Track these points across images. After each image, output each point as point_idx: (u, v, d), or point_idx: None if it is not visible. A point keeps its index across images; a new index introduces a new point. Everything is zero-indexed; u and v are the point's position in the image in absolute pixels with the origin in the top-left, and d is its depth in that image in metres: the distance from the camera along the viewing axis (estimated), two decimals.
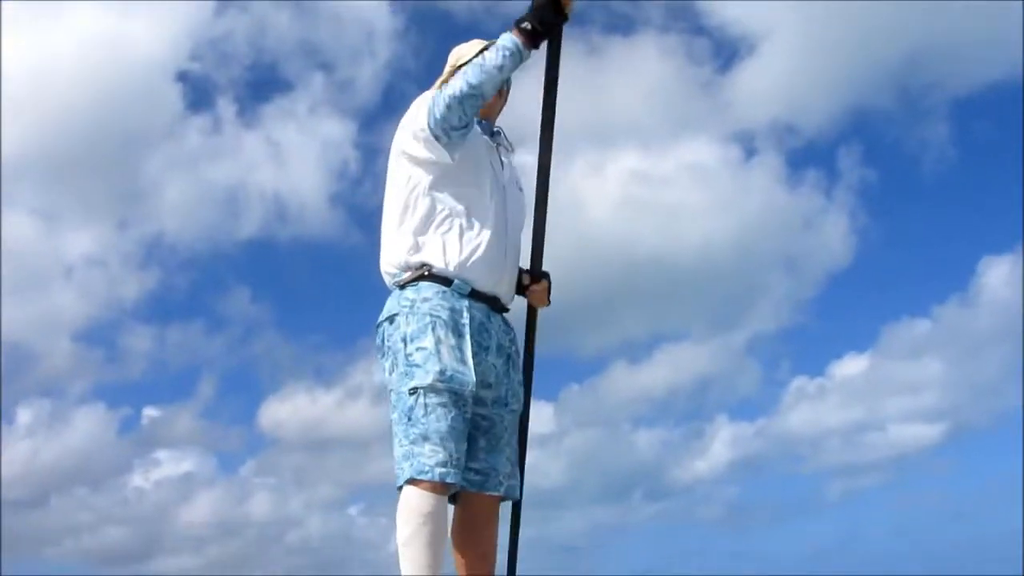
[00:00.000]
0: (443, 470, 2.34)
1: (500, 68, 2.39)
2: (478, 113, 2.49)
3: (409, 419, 2.39)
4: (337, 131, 15.85)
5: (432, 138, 2.47)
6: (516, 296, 2.72)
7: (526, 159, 2.81)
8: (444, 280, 2.49)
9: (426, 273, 2.50)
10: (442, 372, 2.39)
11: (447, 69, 2.71)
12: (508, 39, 2.41)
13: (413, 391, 2.39)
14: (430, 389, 2.38)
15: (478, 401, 2.48)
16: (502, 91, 2.72)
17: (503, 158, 2.70)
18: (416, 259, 2.52)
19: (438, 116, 2.43)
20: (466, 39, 2.74)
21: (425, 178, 2.55)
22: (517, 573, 2.81)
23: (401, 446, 2.39)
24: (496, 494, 2.54)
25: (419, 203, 2.54)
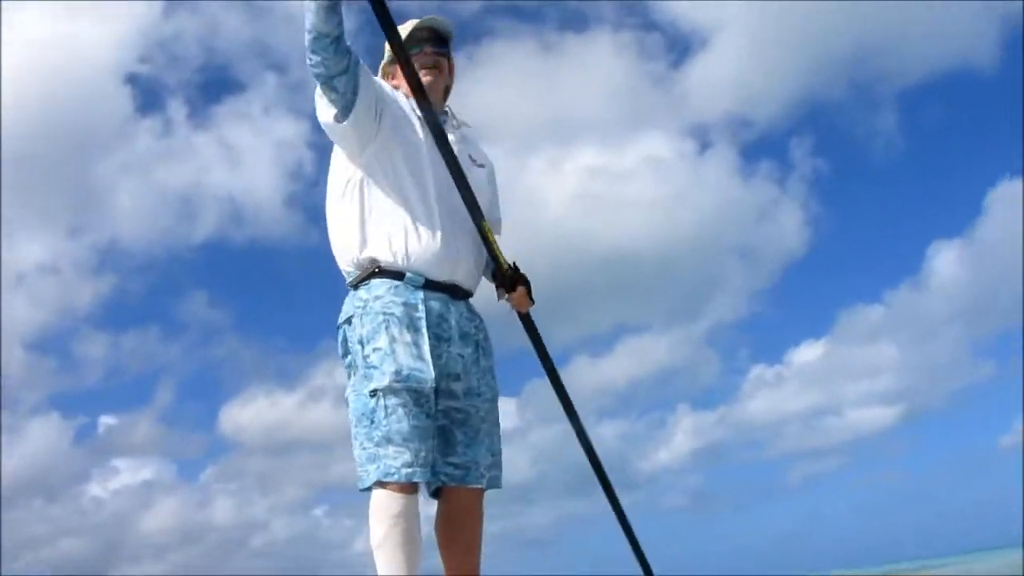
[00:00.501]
0: (409, 470, 2.33)
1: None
2: (338, 55, 2.38)
3: (372, 421, 2.37)
4: (291, 132, 15.74)
5: (325, 100, 2.43)
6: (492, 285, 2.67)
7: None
8: (396, 274, 2.45)
9: (376, 270, 2.46)
10: (398, 372, 2.36)
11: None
12: None
13: (373, 393, 2.37)
14: (388, 390, 2.36)
15: (449, 394, 2.46)
16: (443, 69, 2.65)
17: (450, 135, 2.58)
18: (364, 256, 2.47)
19: (313, 74, 2.40)
20: None
21: (356, 172, 2.51)
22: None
23: (364, 448, 2.37)
24: (478, 487, 2.51)
25: (356, 197, 2.49)
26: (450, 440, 2.49)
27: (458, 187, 2.49)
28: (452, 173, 2.48)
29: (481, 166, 2.68)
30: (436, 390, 2.43)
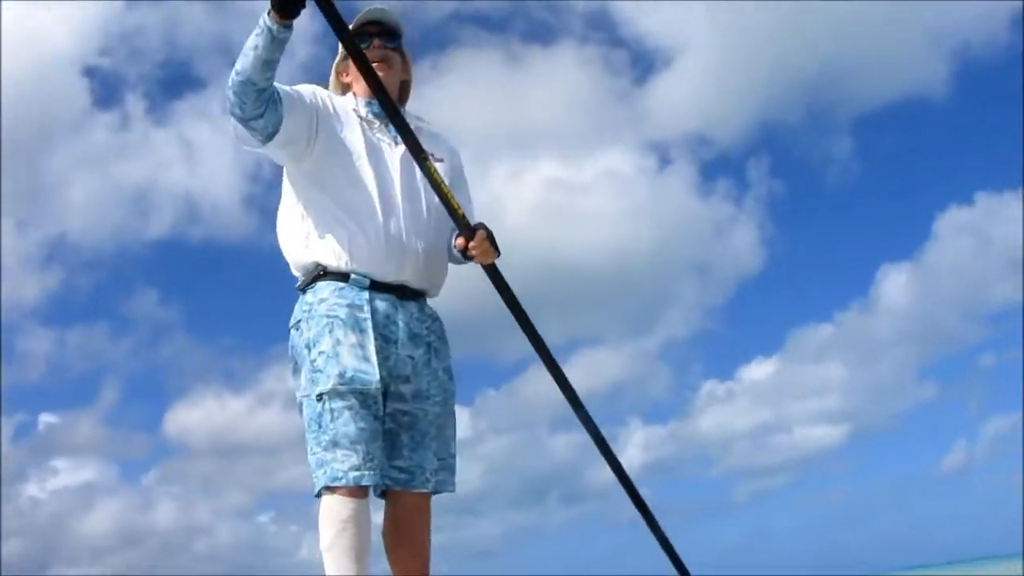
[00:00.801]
0: (357, 473, 2.31)
1: (254, 47, 2.27)
2: (259, 103, 2.33)
3: (319, 426, 2.35)
4: None
5: (243, 132, 2.39)
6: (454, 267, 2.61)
7: None
8: (341, 276, 2.42)
9: (321, 273, 2.44)
10: (342, 374, 2.34)
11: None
12: (261, 17, 2.29)
13: (319, 397, 2.35)
14: (333, 393, 2.33)
15: (397, 396, 2.44)
16: (393, 63, 2.58)
17: (395, 136, 2.52)
18: (309, 260, 2.46)
19: (228, 110, 2.35)
20: None
21: (298, 175, 2.49)
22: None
23: (314, 454, 2.35)
24: (423, 491, 2.47)
25: (299, 201, 2.49)
26: (396, 444, 2.46)
27: (418, 164, 2.44)
28: (409, 148, 2.43)
29: (440, 160, 2.59)
30: (384, 392, 2.41)
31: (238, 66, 2.31)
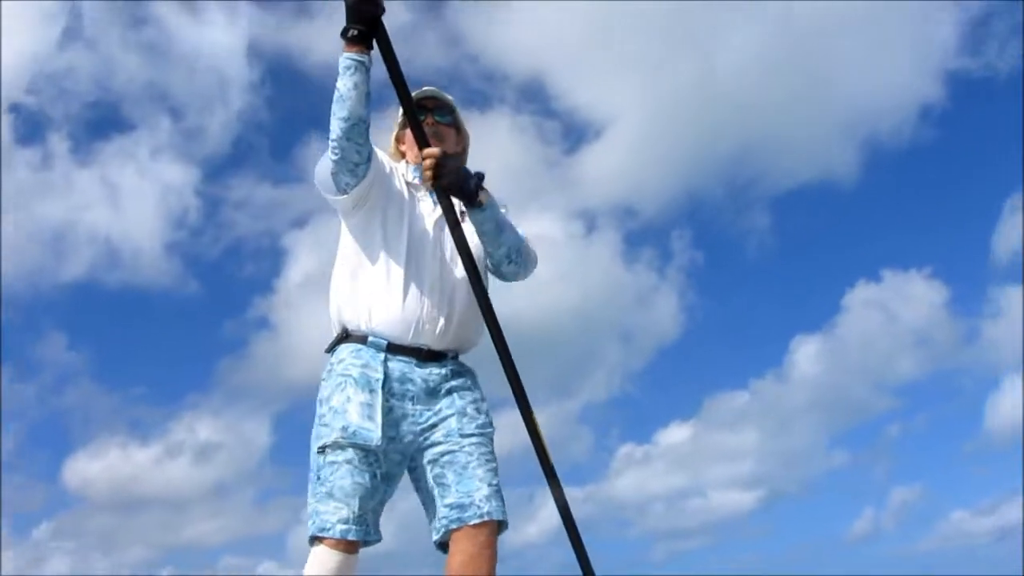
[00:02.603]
0: (344, 527, 2.32)
1: (354, 86, 2.35)
2: (368, 140, 2.43)
3: (318, 478, 2.39)
4: (180, 177, 15.40)
5: (339, 178, 2.45)
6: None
7: None
8: (360, 338, 2.47)
9: (344, 335, 2.51)
10: (345, 428, 2.38)
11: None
12: (343, 58, 2.38)
13: (321, 450, 2.40)
14: (335, 446, 2.38)
15: (431, 444, 2.46)
16: (445, 139, 2.61)
17: (435, 202, 2.57)
18: (337, 322, 2.54)
19: (340, 163, 2.41)
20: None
21: (347, 228, 2.56)
22: None
23: (310, 504, 2.39)
24: (477, 522, 2.39)
25: (341, 266, 2.55)
26: (444, 484, 2.44)
27: (452, 234, 2.49)
28: (449, 222, 2.48)
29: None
30: (417, 448, 2.46)
31: (342, 114, 2.36)
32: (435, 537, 2.46)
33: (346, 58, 2.37)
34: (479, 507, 2.40)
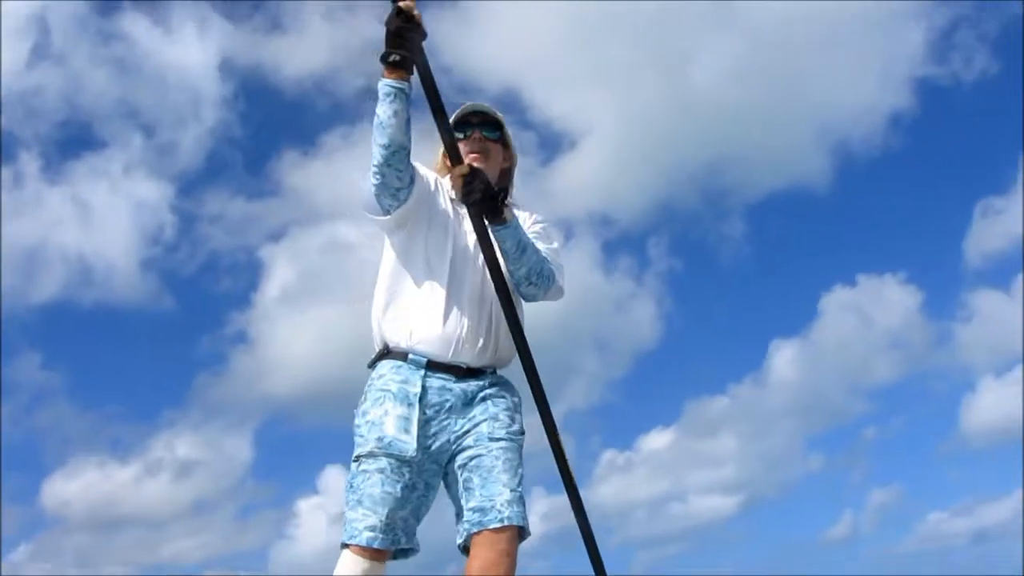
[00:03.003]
0: (371, 535, 2.35)
1: (394, 113, 2.35)
2: (409, 166, 2.45)
3: (351, 486, 2.43)
4: (153, 194, 15.31)
5: (382, 200, 2.48)
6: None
7: None
8: (401, 355, 2.51)
9: (385, 351, 2.54)
10: (380, 439, 2.41)
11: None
12: (383, 84, 2.37)
13: (356, 459, 2.45)
14: (369, 456, 2.41)
15: (462, 449, 2.49)
16: (491, 156, 2.63)
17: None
18: (379, 339, 2.57)
19: (381, 189, 2.44)
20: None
21: (391, 245, 2.59)
22: None
23: (344, 513, 2.43)
24: (497, 526, 2.39)
25: (384, 283, 2.58)
26: (470, 487, 2.46)
27: (486, 259, 2.50)
28: (481, 243, 2.49)
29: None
30: (451, 455, 2.49)
31: (383, 141, 2.37)
32: (459, 541, 2.48)
33: (386, 84, 2.36)
34: (500, 511, 2.41)
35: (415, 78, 2.41)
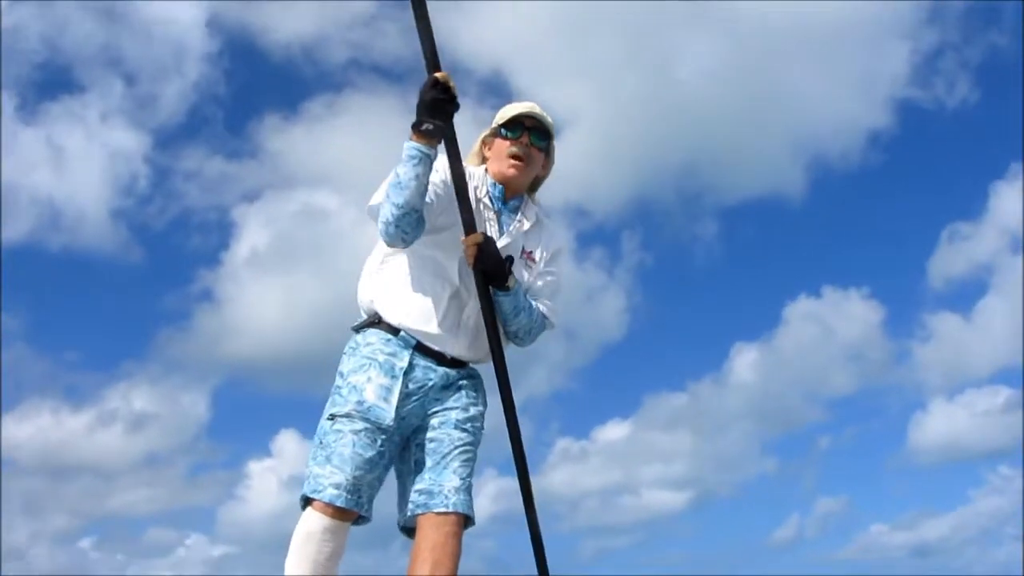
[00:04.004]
0: (335, 491, 2.34)
1: (415, 176, 2.35)
2: (421, 225, 2.44)
3: (320, 442, 2.42)
4: (130, 144, 15.15)
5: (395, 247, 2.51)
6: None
7: None
8: (392, 330, 2.52)
9: (376, 321, 2.55)
10: (360, 403, 2.42)
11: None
12: (410, 147, 2.36)
13: (331, 417, 2.44)
14: (346, 417, 2.41)
15: (425, 428, 2.51)
16: (532, 163, 2.61)
17: (507, 225, 2.59)
18: (372, 307, 2.57)
19: (387, 240, 2.46)
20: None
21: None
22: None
23: (308, 467, 2.41)
24: (442, 511, 2.42)
25: (389, 259, 2.59)
26: (420, 469, 2.48)
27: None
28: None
29: (534, 261, 2.64)
30: (415, 427, 2.51)
31: (398, 200, 2.36)
32: (401, 521, 2.51)
33: (413, 148, 2.35)
34: (447, 497, 2.43)
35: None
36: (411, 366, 2.50)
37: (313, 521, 2.35)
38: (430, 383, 2.53)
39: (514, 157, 2.58)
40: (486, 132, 2.70)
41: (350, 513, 2.38)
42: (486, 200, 2.60)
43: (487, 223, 2.58)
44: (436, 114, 2.35)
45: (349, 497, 2.37)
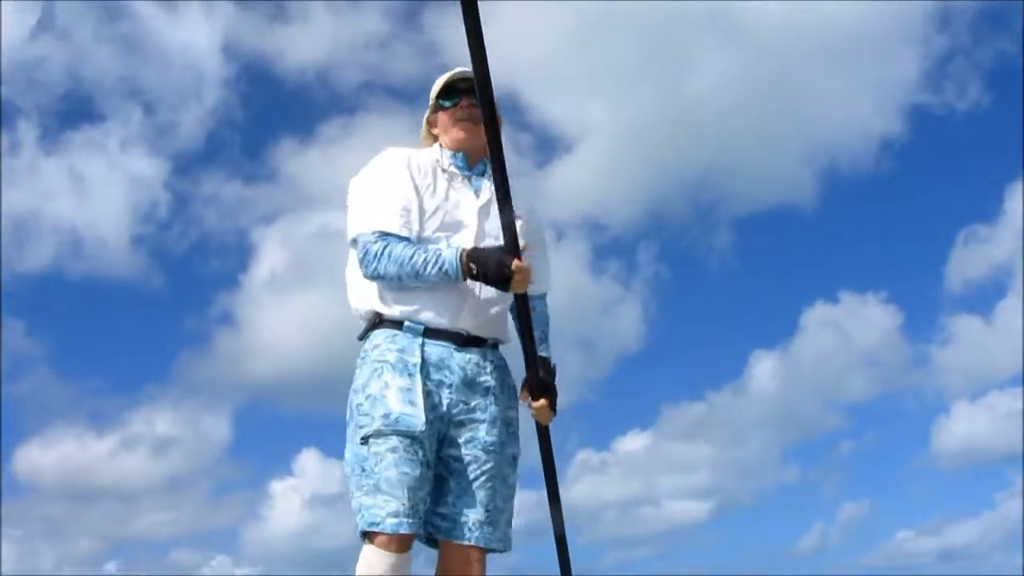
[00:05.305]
0: (395, 521, 2.19)
1: (430, 278, 2.31)
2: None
3: (363, 470, 2.27)
4: (150, 171, 15.33)
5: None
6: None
7: None
8: (396, 324, 2.38)
9: (378, 321, 2.41)
10: (387, 415, 2.27)
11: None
12: (453, 262, 2.29)
13: (364, 440, 2.28)
14: (377, 435, 2.26)
15: (450, 442, 2.36)
16: (478, 119, 2.36)
17: (479, 189, 2.49)
18: (367, 308, 2.44)
19: (367, 276, 2.39)
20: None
21: None
22: None
23: (355, 498, 2.27)
24: (462, 543, 2.31)
25: None
26: (443, 490, 2.35)
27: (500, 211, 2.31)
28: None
29: (519, 217, 2.44)
30: (439, 438, 2.35)
31: (405, 278, 2.32)
32: (422, 539, 2.39)
33: (454, 267, 2.29)
34: (469, 531, 2.32)
35: None
36: (425, 356, 2.33)
37: (380, 560, 2.20)
38: (448, 380, 2.35)
39: (461, 121, 2.50)
40: (427, 113, 2.62)
41: (411, 539, 2.25)
42: (452, 169, 2.50)
43: (454, 190, 2.47)
44: (492, 280, 2.30)
45: (411, 521, 2.22)
